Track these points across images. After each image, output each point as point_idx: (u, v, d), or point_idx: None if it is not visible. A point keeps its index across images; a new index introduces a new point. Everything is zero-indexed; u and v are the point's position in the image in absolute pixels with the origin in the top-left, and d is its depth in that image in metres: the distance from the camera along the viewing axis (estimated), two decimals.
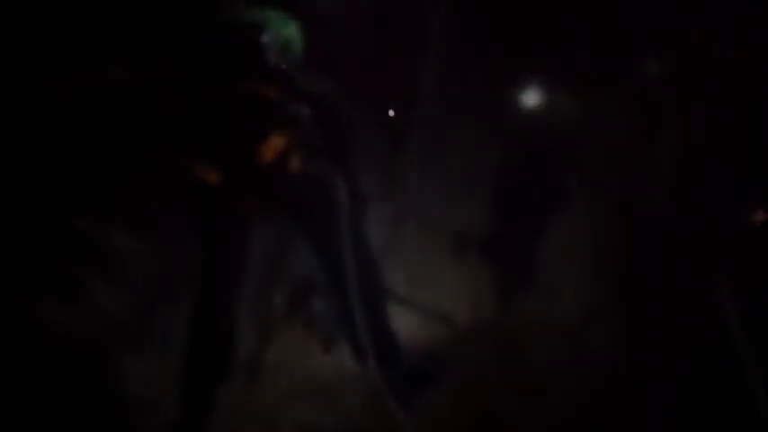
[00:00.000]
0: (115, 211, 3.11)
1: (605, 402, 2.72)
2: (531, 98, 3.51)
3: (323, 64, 2.79)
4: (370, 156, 3.25)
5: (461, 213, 3.49)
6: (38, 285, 2.88)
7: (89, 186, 3.13)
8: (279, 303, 3.16)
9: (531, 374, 2.90)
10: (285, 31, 2.66)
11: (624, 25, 3.32)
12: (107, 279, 2.99)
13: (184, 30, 2.75)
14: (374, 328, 2.77)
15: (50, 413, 2.60)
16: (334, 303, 2.91)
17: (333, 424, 2.74)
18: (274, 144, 2.61)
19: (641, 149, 3.27)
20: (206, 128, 2.63)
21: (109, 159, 3.14)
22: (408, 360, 2.91)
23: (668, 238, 3.06)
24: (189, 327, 2.69)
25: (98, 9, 3.07)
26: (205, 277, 2.69)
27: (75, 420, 2.62)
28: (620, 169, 3.31)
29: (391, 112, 3.55)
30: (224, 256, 2.70)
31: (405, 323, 3.05)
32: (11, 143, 3.00)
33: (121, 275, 3.03)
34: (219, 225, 2.70)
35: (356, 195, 2.80)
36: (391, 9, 3.40)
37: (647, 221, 3.15)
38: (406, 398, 2.73)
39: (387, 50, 3.42)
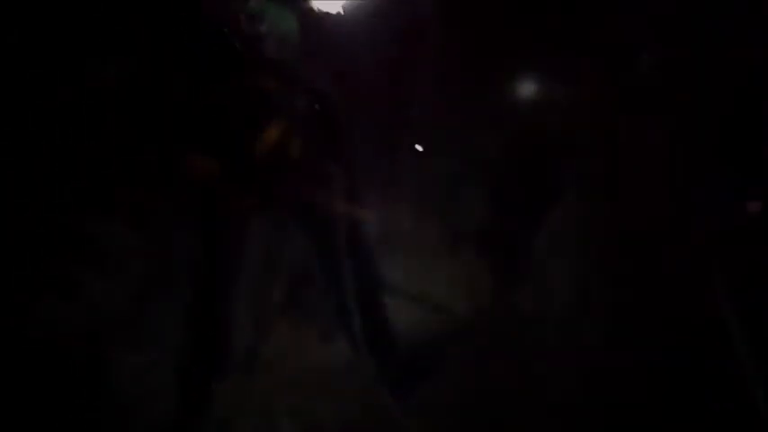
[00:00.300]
0: (114, 209, 3.11)
1: (601, 397, 2.73)
2: (528, 93, 3.52)
3: (321, 61, 2.80)
4: (369, 150, 3.25)
5: (459, 206, 3.51)
6: (37, 284, 2.89)
7: (89, 186, 3.13)
8: (276, 296, 3.16)
9: (528, 366, 2.91)
10: (283, 23, 2.68)
11: (621, 21, 3.32)
12: (104, 275, 3.00)
13: (184, 26, 2.76)
14: (371, 320, 2.80)
15: (48, 409, 2.60)
16: (332, 296, 2.92)
17: (330, 415, 2.75)
18: (273, 135, 2.62)
19: (638, 144, 3.27)
20: (205, 122, 2.64)
21: (109, 159, 3.15)
22: (405, 352, 2.92)
23: (666, 234, 3.06)
24: (186, 321, 2.70)
25: (98, 9, 3.08)
26: (203, 272, 2.70)
27: (72, 416, 2.62)
28: (617, 164, 3.31)
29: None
30: (222, 252, 2.71)
31: (401, 315, 3.07)
32: (11, 143, 3.00)
33: (119, 271, 3.03)
34: (218, 220, 2.71)
35: (354, 189, 2.81)
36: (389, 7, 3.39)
37: (645, 217, 3.15)
38: (402, 389, 2.76)
39: (385, 48, 3.42)
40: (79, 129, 3.11)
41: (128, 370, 2.81)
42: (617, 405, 2.70)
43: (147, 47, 3.08)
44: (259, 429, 2.74)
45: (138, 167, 3.14)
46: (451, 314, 3.20)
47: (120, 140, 3.14)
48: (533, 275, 3.33)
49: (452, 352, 2.98)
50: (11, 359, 2.69)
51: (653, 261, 3.06)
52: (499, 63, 3.51)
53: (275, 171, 2.67)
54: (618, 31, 3.35)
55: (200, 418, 2.68)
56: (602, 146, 3.36)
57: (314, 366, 2.96)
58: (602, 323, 3.01)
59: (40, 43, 3.02)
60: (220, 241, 2.71)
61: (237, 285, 2.77)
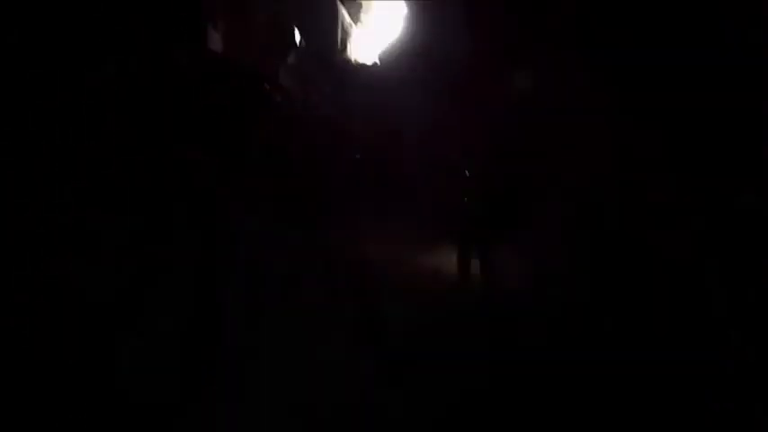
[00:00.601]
0: (114, 207, 3.12)
1: (600, 396, 2.73)
2: (525, 94, 3.54)
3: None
4: (364, 147, 3.28)
5: (451, 199, 3.54)
6: (37, 283, 2.89)
7: (89, 186, 3.13)
8: (273, 293, 3.17)
9: (520, 358, 2.93)
10: (277, 14, 2.71)
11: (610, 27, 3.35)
12: (104, 273, 3.00)
13: (184, 28, 2.77)
14: (367, 312, 2.83)
15: (49, 401, 2.62)
16: (328, 292, 2.95)
17: (328, 407, 2.76)
18: (271, 136, 2.64)
19: (634, 140, 3.28)
20: (205, 122, 2.66)
21: (109, 159, 3.15)
22: (401, 345, 2.95)
23: (664, 230, 3.07)
24: (184, 317, 2.71)
25: (98, 9, 3.08)
26: (200, 269, 2.72)
27: (73, 407, 2.64)
28: (616, 158, 3.33)
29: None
30: (219, 249, 2.74)
31: (398, 310, 3.09)
32: (11, 143, 3.01)
33: (118, 268, 3.04)
34: (215, 218, 2.73)
35: (350, 188, 2.84)
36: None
37: (643, 212, 3.16)
38: (398, 382, 2.78)
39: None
40: (79, 129, 3.11)
41: (126, 365, 2.82)
42: (615, 404, 2.70)
43: (147, 47, 3.08)
44: (258, 424, 2.75)
45: (138, 167, 3.15)
46: (448, 309, 3.23)
47: (120, 140, 3.14)
48: (527, 267, 3.36)
49: (446, 341, 3.02)
50: (11, 356, 2.69)
51: (652, 260, 3.07)
52: (499, 64, 3.52)
53: (273, 160, 2.70)
54: (617, 31, 3.36)
55: (196, 407, 2.69)
56: (599, 145, 3.36)
57: (312, 356, 2.98)
58: (601, 322, 3.01)
59: (39, 43, 3.03)
60: (217, 238, 2.73)
61: (234, 282, 2.79)
